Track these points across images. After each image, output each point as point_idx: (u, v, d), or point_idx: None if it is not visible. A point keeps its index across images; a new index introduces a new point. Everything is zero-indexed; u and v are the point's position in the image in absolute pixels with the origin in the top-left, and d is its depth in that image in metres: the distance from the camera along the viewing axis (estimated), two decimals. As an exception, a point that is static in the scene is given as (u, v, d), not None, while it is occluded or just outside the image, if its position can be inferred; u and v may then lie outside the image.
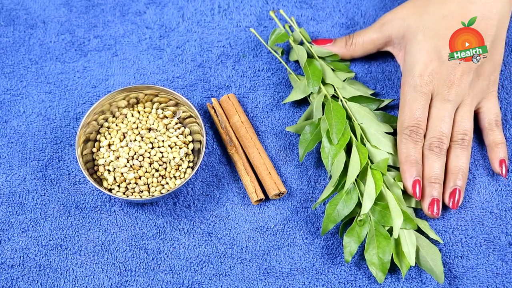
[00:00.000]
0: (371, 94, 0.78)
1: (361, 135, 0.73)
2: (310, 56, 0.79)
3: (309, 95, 0.77)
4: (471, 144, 0.73)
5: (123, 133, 0.75)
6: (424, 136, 0.72)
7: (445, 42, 0.71)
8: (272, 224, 0.73)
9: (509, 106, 0.78)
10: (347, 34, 0.82)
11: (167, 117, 0.76)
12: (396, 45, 0.77)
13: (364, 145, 0.73)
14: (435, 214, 0.70)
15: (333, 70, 0.78)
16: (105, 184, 0.73)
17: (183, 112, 0.76)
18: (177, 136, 0.75)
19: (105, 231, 0.73)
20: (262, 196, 0.73)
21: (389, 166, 0.73)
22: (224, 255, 0.72)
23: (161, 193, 0.72)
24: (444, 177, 0.72)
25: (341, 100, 0.75)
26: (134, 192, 0.73)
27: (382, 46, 0.78)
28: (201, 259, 0.72)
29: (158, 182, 0.73)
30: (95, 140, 0.75)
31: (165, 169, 0.73)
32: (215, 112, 0.78)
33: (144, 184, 0.73)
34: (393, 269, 0.70)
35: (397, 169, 0.73)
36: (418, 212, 0.73)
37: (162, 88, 0.75)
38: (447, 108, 0.71)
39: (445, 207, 0.73)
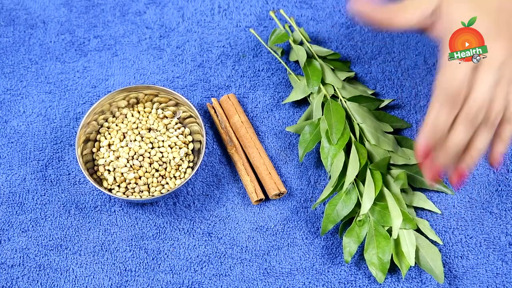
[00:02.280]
0: (371, 94, 0.78)
1: (360, 135, 0.73)
2: (310, 56, 0.79)
3: (309, 95, 0.77)
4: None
5: (123, 133, 0.75)
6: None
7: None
8: (272, 224, 0.73)
9: None
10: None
11: (167, 117, 0.76)
12: (432, 17, 0.66)
13: (364, 145, 0.73)
14: (432, 180, 0.65)
15: (333, 70, 0.78)
16: (105, 184, 0.73)
17: (183, 112, 0.76)
18: (177, 136, 0.75)
19: (105, 231, 0.73)
20: (262, 196, 0.73)
21: (389, 164, 0.73)
22: (224, 255, 0.72)
23: (161, 193, 0.72)
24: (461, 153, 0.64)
25: (340, 100, 0.75)
26: (134, 192, 0.73)
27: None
28: (201, 259, 0.72)
29: (158, 182, 0.73)
30: (95, 140, 0.75)
31: (165, 169, 0.73)
32: (215, 112, 0.78)
33: (144, 184, 0.73)
34: (393, 269, 0.70)
35: (397, 167, 0.73)
36: (418, 212, 0.73)
37: (162, 88, 0.75)
38: (492, 80, 0.62)
39: (445, 206, 0.73)
